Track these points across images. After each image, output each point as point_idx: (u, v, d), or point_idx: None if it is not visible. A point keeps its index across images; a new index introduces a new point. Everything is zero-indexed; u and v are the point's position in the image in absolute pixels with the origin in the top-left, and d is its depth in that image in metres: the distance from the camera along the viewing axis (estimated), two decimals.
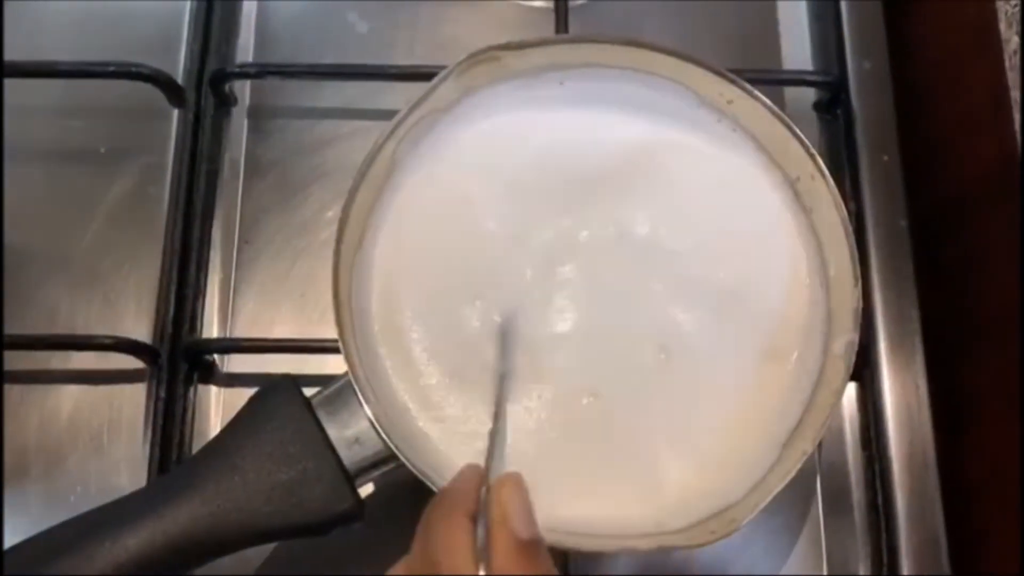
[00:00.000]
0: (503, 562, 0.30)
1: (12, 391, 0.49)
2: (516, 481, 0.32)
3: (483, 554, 0.30)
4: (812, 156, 0.43)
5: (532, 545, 0.31)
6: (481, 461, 0.36)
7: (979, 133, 0.49)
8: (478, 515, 0.31)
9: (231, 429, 0.39)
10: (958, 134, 0.52)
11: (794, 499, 0.48)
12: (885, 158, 0.53)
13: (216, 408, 0.50)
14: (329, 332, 0.48)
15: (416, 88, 0.46)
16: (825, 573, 0.47)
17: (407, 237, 0.44)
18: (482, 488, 0.32)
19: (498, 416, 0.38)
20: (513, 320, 0.42)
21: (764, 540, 0.48)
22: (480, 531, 0.30)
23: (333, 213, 0.52)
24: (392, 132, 0.44)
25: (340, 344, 0.40)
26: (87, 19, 0.56)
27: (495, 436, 0.37)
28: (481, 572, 0.29)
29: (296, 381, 0.40)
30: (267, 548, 0.45)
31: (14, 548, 0.37)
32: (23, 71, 0.52)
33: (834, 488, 0.49)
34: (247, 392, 0.49)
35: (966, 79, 0.51)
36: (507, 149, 0.45)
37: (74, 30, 0.56)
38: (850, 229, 0.42)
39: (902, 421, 0.49)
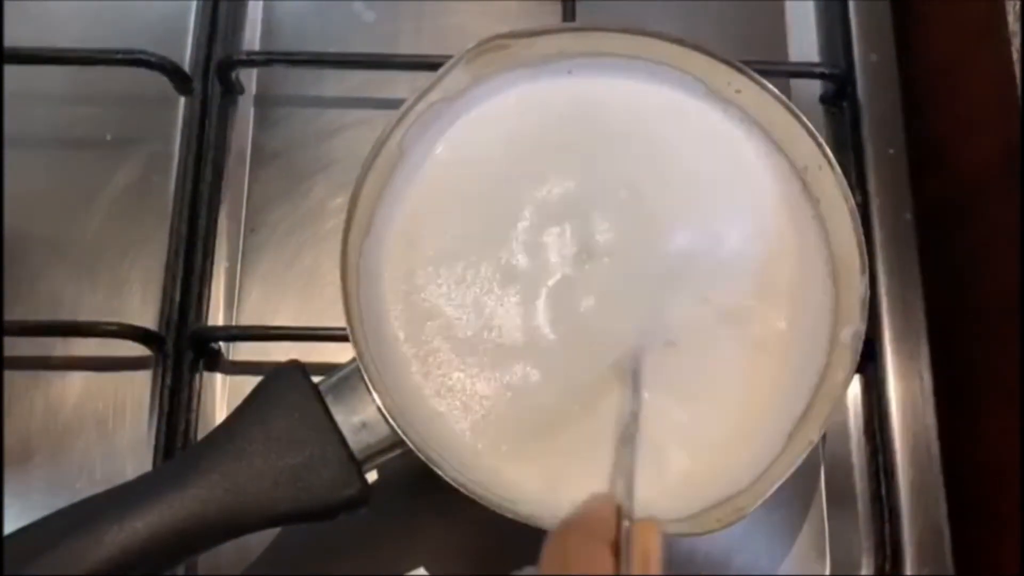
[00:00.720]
0: None
1: (17, 378, 0.49)
2: (659, 527, 0.32)
3: None
4: (820, 146, 0.43)
5: None
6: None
7: (985, 126, 0.49)
8: (620, 547, 0.31)
9: (238, 414, 0.39)
10: (964, 127, 0.52)
11: (797, 491, 0.48)
12: (891, 151, 0.53)
13: (221, 395, 0.50)
14: (335, 320, 0.48)
15: (423, 77, 0.46)
16: (828, 565, 0.47)
17: (415, 224, 0.44)
18: (625, 521, 0.32)
19: (631, 453, 0.37)
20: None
21: (767, 532, 0.48)
22: (624, 567, 0.30)
23: (339, 202, 0.53)
24: (399, 121, 0.44)
25: (348, 330, 0.40)
26: (94, 7, 0.56)
27: (631, 473, 0.36)
28: None
29: (303, 367, 0.40)
30: (270, 534, 0.45)
31: (21, 531, 0.36)
32: (30, 58, 0.52)
33: (838, 480, 0.49)
34: (252, 380, 0.49)
35: (972, 72, 0.51)
36: (514, 136, 0.45)
37: (81, 18, 0.56)
38: (858, 219, 0.42)
39: (906, 413, 0.49)
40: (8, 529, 0.37)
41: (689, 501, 0.39)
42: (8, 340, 0.49)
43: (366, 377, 0.39)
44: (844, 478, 0.49)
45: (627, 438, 0.37)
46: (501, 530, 0.38)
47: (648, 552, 0.31)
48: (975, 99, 0.50)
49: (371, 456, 0.39)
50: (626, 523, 0.32)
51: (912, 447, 0.48)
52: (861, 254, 0.42)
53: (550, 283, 0.43)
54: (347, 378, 0.40)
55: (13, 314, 0.50)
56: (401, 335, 0.43)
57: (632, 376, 0.40)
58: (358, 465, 0.38)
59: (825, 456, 0.49)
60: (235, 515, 0.37)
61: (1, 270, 0.49)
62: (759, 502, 0.38)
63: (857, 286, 0.42)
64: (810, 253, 0.44)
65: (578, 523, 0.32)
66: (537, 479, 0.40)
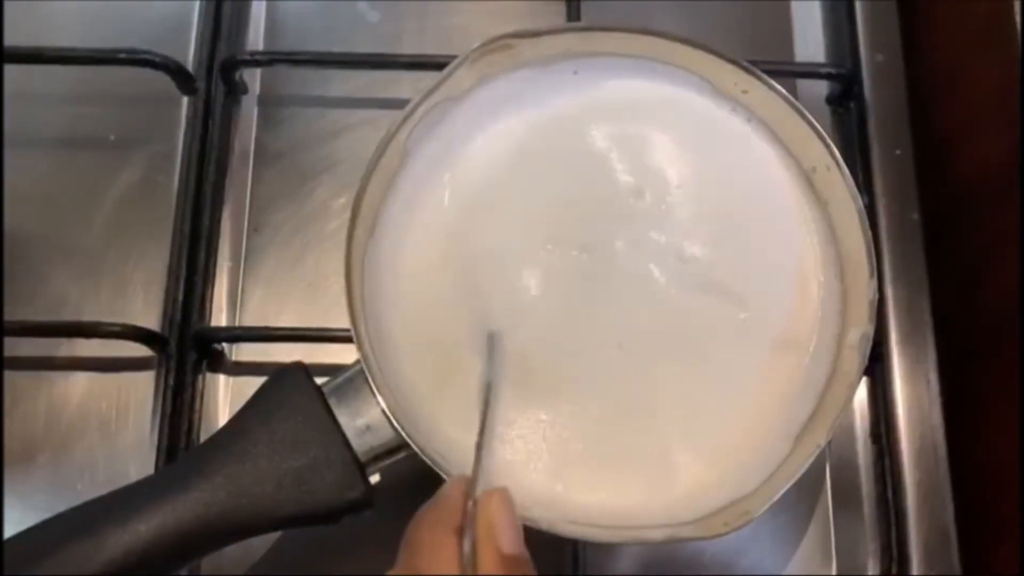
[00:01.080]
0: None
1: (20, 378, 0.49)
2: (503, 495, 0.32)
3: (469, 568, 0.29)
4: (828, 147, 0.43)
5: (518, 561, 0.31)
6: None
7: (992, 125, 0.49)
8: (464, 529, 0.31)
9: (241, 416, 0.39)
10: (971, 127, 0.51)
11: (803, 493, 0.48)
12: (898, 151, 0.53)
13: (224, 396, 0.50)
14: (338, 321, 0.48)
15: (427, 77, 0.46)
16: (834, 567, 0.47)
17: (419, 226, 0.43)
18: (469, 501, 0.32)
19: (484, 427, 0.38)
20: (523, 311, 0.42)
21: (773, 534, 0.47)
22: (466, 545, 0.30)
23: (342, 202, 0.52)
24: (404, 121, 0.43)
25: (352, 332, 0.39)
26: (97, 6, 0.56)
27: (481, 447, 0.36)
28: None
29: (307, 369, 0.40)
30: (274, 535, 0.45)
31: (23, 533, 0.36)
32: (33, 58, 0.51)
33: (844, 482, 0.49)
34: (255, 380, 0.49)
35: (979, 73, 0.51)
36: (519, 136, 0.45)
37: (84, 17, 0.55)
38: (866, 222, 0.42)
39: (913, 415, 0.49)
40: (10, 531, 0.37)
41: (696, 505, 0.39)
42: (11, 340, 0.49)
43: (370, 379, 0.39)
44: (850, 480, 0.49)
45: (481, 412, 0.38)
46: None
47: (492, 523, 0.31)
48: (982, 99, 0.50)
49: (375, 459, 0.39)
50: (470, 503, 0.32)
51: (919, 449, 0.48)
52: (870, 256, 0.42)
53: (556, 283, 0.43)
54: (351, 380, 0.40)
55: (16, 314, 0.50)
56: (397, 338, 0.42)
57: (489, 343, 0.40)
58: (362, 468, 0.38)
59: (831, 458, 0.49)
60: (238, 518, 0.37)
61: (1, 270, 0.49)
62: (767, 506, 0.38)
63: (865, 288, 0.41)
64: (818, 255, 0.43)
65: (425, 512, 0.32)
66: (545, 483, 0.40)
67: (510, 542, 0.31)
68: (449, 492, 0.33)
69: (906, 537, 0.47)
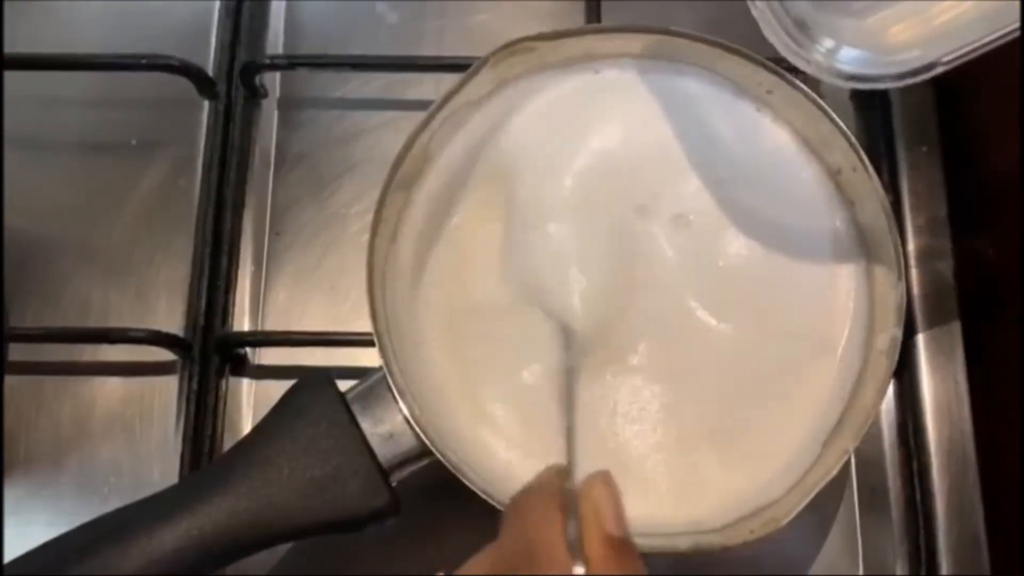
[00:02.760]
0: (596, 558, 0.29)
1: (45, 383, 0.49)
2: (606, 479, 0.32)
3: (575, 549, 0.29)
4: (854, 147, 0.42)
5: (624, 543, 0.30)
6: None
7: (1020, 123, 0.48)
8: (568, 511, 0.30)
9: (266, 424, 0.39)
10: (998, 124, 0.51)
11: (829, 495, 0.47)
12: (924, 149, 0.52)
13: (247, 400, 0.50)
14: (359, 324, 0.48)
15: (447, 79, 0.45)
16: (861, 568, 0.47)
17: (441, 231, 0.43)
18: (567, 484, 0.32)
19: (571, 413, 0.37)
20: (567, 315, 0.42)
21: (798, 537, 0.47)
22: (571, 528, 0.30)
23: (363, 205, 0.52)
24: (425, 125, 0.43)
25: (375, 339, 0.39)
26: (118, 11, 0.56)
27: (571, 432, 0.36)
28: (578, 570, 0.29)
29: (331, 376, 0.40)
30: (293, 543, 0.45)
31: (52, 542, 0.37)
32: (55, 63, 0.52)
33: (870, 485, 0.48)
34: (278, 384, 0.49)
35: (1006, 69, 0.50)
36: (542, 140, 0.44)
37: (104, 22, 0.56)
38: (894, 224, 0.41)
39: (941, 417, 0.48)
40: (38, 534, 0.38)
41: (723, 511, 0.39)
42: (36, 345, 0.49)
43: (393, 387, 0.39)
44: (877, 482, 0.48)
45: (565, 399, 0.37)
46: None
47: (598, 505, 0.30)
48: (1011, 94, 0.49)
49: (399, 466, 0.39)
50: (568, 484, 0.32)
51: (947, 451, 0.48)
52: (898, 259, 0.41)
53: (582, 288, 0.43)
54: (374, 387, 0.40)
55: (40, 319, 0.50)
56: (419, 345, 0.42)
57: (563, 335, 0.40)
58: (386, 476, 0.38)
59: (857, 460, 0.48)
60: (263, 526, 0.37)
61: (1, 271, 0.49)
62: (794, 513, 0.38)
63: (893, 292, 0.41)
64: (844, 257, 0.43)
65: (529, 490, 0.32)
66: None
67: (616, 524, 0.30)
68: (546, 474, 0.33)
69: (935, 540, 0.46)
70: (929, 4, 0.37)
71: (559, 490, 0.31)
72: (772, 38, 0.36)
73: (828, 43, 0.36)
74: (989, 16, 0.36)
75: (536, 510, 0.30)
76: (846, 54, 0.37)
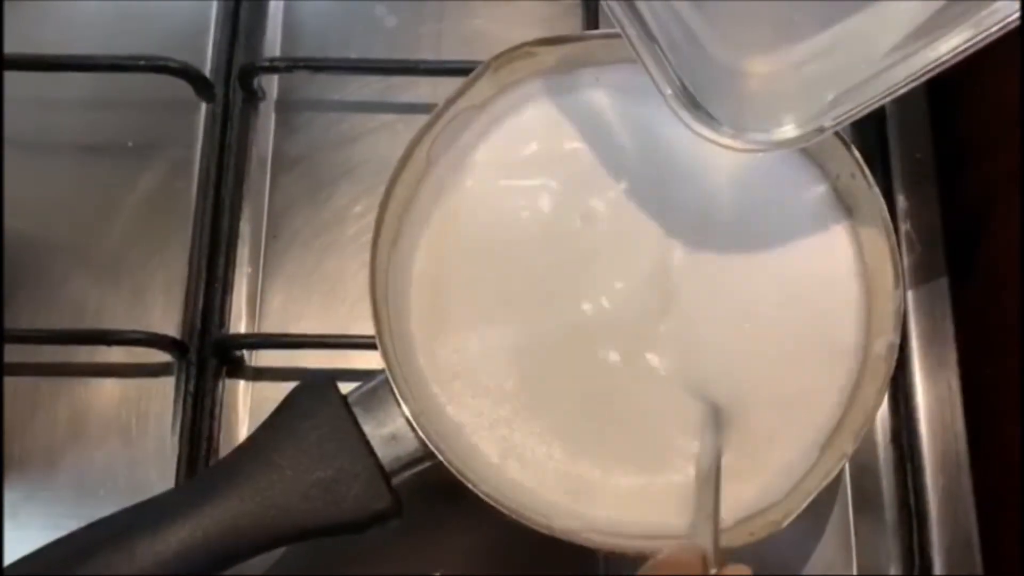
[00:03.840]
0: None
1: (41, 385, 0.49)
2: (748, 572, 0.32)
3: None
4: (852, 153, 0.43)
5: None
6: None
7: (1014, 130, 0.48)
8: None
9: (268, 427, 0.39)
10: (992, 131, 0.51)
11: (824, 498, 0.48)
12: (918, 155, 0.53)
13: (244, 402, 0.50)
14: (358, 327, 0.48)
15: (446, 83, 0.45)
16: (855, 569, 0.47)
17: (444, 235, 0.43)
18: (711, 568, 0.32)
19: (717, 497, 0.37)
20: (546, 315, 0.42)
21: (792, 539, 0.47)
22: None
23: (361, 208, 0.52)
24: (427, 131, 0.43)
25: (377, 342, 0.39)
26: (115, 12, 0.56)
27: (716, 516, 0.36)
28: None
29: (333, 378, 0.40)
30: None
31: (53, 544, 0.37)
32: (52, 64, 0.52)
33: (864, 488, 0.48)
34: (275, 386, 0.49)
35: (1001, 75, 0.50)
36: (542, 146, 0.45)
37: (102, 23, 0.56)
38: (891, 230, 0.42)
39: (935, 420, 0.48)
40: (34, 537, 0.38)
41: (722, 515, 0.39)
42: (32, 346, 0.49)
43: (395, 389, 0.39)
44: (871, 485, 0.49)
45: (710, 479, 0.37)
46: (528, 537, 0.37)
47: None
48: (1003, 101, 0.50)
49: (401, 468, 0.39)
50: (713, 571, 0.32)
51: (941, 454, 0.48)
52: (895, 265, 0.41)
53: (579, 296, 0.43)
54: (376, 389, 0.40)
55: (36, 320, 0.50)
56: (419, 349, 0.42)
57: (713, 415, 0.40)
58: (388, 478, 0.38)
59: (852, 463, 0.48)
60: (266, 529, 0.37)
61: (1, 275, 0.49)
62: (793, 515, 0.38)
63: (890, 297, 0.41)
64: (843, 264, 0.43)
65: (666, 564, 0.32)
66: (565, 492, 0.40)
67: None
68: (685, 553, 0.33)
69: (928, 542, 0.47)
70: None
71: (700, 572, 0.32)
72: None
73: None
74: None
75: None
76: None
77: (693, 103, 0.35)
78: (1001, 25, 0.35)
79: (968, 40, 0.35)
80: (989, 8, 0.34)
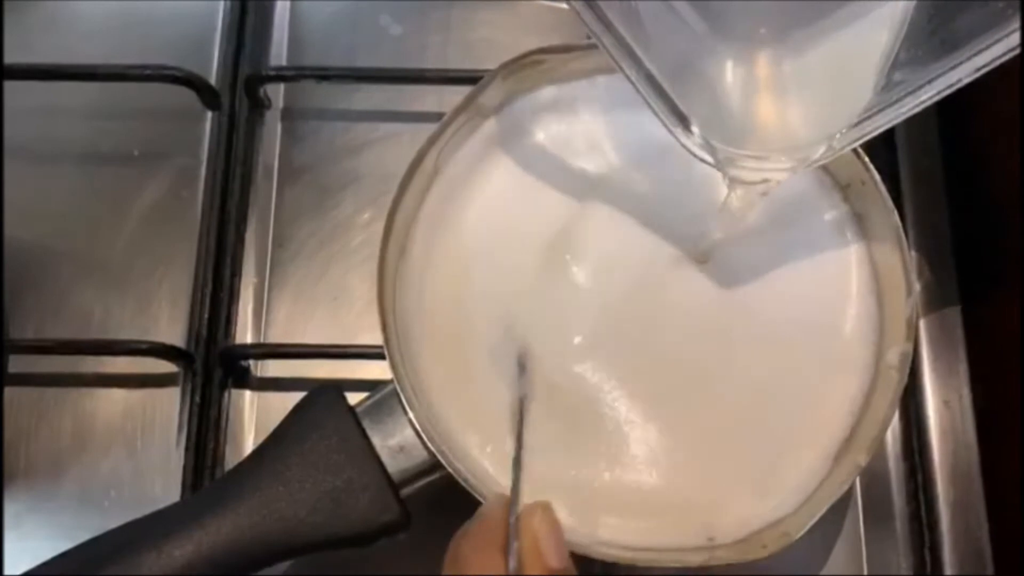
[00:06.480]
0: None
1: (46, 395, 0.49)
2: (545, 509, 0.32)
3: None
4: (863, 161, 0.42)
5: (564, 574, 0.30)
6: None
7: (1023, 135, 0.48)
8: (509, 546, 0.31)
9: (275, 438, 0.39)
10: (1002, 136, 0.51)
11: (834, 510, 0.47)
12: (927, 161, 0.53)
13: (250, 412, 0.49)
14: (364, 336, 0.48)
15: (453, 91, 0.45)
16: None
17: (453, 245, 0.43)
18: (511, 517, 0.32)
19: (520, 442, 0.38)
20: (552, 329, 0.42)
21: (803, 551, 0.47)
22: (512, 561, 0.30)
23: (367, 217, 0.52)
24: (435, 139, 0.43)
25: (385, 352, 0.39)
26: (121, 21, 0.56)
27: (519, 462, 0.36)
28: None
29: (340, 389, 0.40)
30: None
31: (59, 557, 0.36)
32: (57, 74, 0.52)
33: (875, 499, 0.48)
34: (281, 396, 0.49)
35: (1010, 79, 0.50)
36: (552, 155, 0.44)
37: (107, 32, 0.55)
38: (903, 238, 0.41)
39: (945, 431, 0.48)
40: (38, 548, 0.37)
41: (734, 527, 0.39)
42: (36, 356, 0.49)
43: (403, 400, 0.38)
44: (881, 496, 0.48)
45: (514, 428, 0.38)
46: None
47: (536, 537, 0.31)
48: (1013, 104, 0.50)
49: (409, 480, 0.38)
50: (512, 518, 0.32)
51: (952, 466, 0.48)
52: (907, 274, 0.41)
53: (588, 303, 0.43)
54: (384, 400, 0.39)
55: (42, 331, 0.50)
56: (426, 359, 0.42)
57: (519, 360, 0.40)
58: (396, 490, 0.38)
59: (862, 474, 0.48)
60: (273, 542, 0.36)
61: (2, 282, 0.48)
62: (807, 527, 0.38)
63: (902, 306, 0.41)
64: (854, 272, 0.43)
65: (469, 531, 0.32)
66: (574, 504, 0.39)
67: (556, 556, 0.31)
68: (490, 510, 0.33)
69: (940, 553, 0.46)
70: None
71: (498, 526, 0.32)
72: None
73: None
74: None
75: (475, 554, 0.31)
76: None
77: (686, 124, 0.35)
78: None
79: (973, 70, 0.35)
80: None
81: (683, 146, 0.34)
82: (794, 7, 0.34)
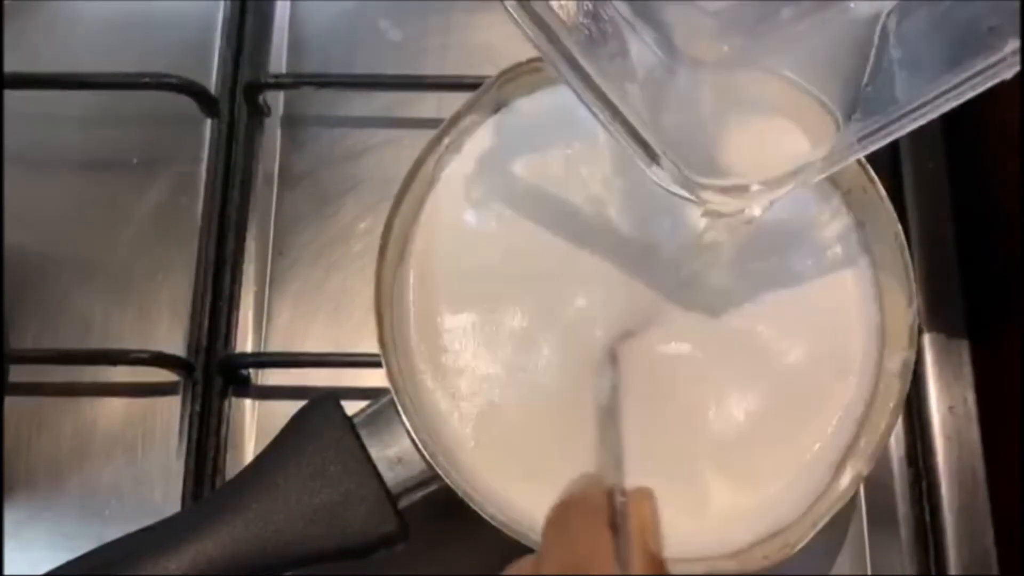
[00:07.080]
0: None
1: (46, 404, 0.49)
2: (651, 496, 0.31)
3: (623, 567, 0.29)
4: (863, 167, 0.42)
5: (663, 562, 0.30)
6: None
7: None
8: (618, 526, 0.30)
9: (272, 449, 0.39)
10: (1006, 139, 0.50)
11: (839, 518, 0.46)
12: (930, 165, 0.52)
13: (250, 421, 0.49)
14: (363, 345, 0.48)
15: (452, 97, 0.45)
16: None
17: (448, 253, 0.43)
18: (617, 497, 0.32)
19: (618, 426, 0.38)
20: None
21: (808, 559, 0.46)
22: (622, 544, 0.29)
23: (367, 224, 0.52)
24: (434, 146, 0.43)
25: (383, 362, 0.39)
26: (119, 29, 0.56)
27: (621, 446, 0.36)
28: None
29: (338, 399, 0.39)
30: None
31: (56, 571, 0.36)
32: (56, 82, 0.51)
33: (879, 506, 0.48)
34: (281, 405, 0.49)
35: (1015, 86, 0.50)
36: (552, 160, 0.44)
37: (106, 40, 0.55)
38: (904, 244, 0.41)
39: (950, 436, 0.48)
40: (39, 558, 0.37)
41: (734, 536, 0.38)
42: (37, 366, 0.49)
43: (401, 411, 0.38)
44: (886, 503, 0.48)
45: (610, 412, 0.37)
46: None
47: (644, 524, 0.30)
48: (1017, 110, 0.49)
49: (407, 491, 0.38)
50: (620, 498, 0.31)
51: (957, 471, 0.47)
52: (909, 280, 0.41)
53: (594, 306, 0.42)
54: (382, 411, 0.39)
55: (42, 339, 0.50)
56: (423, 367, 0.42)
57: (609, 351, 0.40)
58: (394, 501, 0.38)
59: (866, 481, 0.47)
60: (270, 554, 0.36)
61: (1, 291, 0.48)
62: (808, 538, 0.37)
63: (904, 313, 0.40)
64: (854, 278, 0.43)
65: (574, 501, 0.32)
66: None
67: (659, 543, 0.30)
68: (588, 485, 0.32)
69: (945, 560, 0.46)
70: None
71: (605, 504, 0.31)
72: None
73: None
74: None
75: (585, 525, 0.30)
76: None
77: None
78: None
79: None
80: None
81: (656, 183, 0.34)
82: (755, 23, 0.33)
